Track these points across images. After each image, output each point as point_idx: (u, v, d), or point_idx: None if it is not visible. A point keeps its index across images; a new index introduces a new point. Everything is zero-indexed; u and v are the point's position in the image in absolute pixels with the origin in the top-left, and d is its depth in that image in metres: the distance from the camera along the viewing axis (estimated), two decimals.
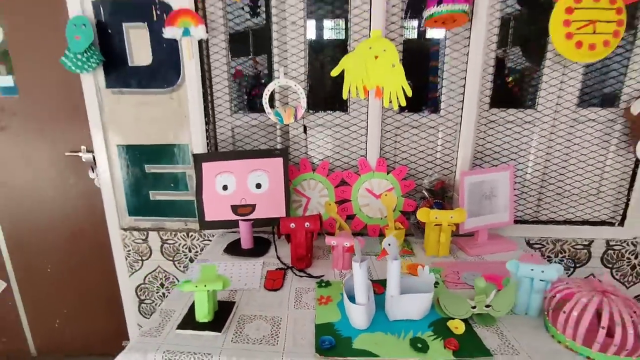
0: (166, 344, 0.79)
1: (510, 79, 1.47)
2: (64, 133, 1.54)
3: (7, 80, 1.52)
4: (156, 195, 1.45)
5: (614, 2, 1.15)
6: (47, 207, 1.65)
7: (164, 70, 1.31)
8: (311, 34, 1.38)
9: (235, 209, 1.22)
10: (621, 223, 1.43)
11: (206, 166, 1.24)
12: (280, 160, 1.24)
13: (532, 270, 0.87)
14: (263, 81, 1.52)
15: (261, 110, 1.35)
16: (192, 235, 1.47)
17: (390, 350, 0.75)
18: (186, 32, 1.21)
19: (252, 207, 1.22)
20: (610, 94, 1.37)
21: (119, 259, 1.55)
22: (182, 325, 0.83)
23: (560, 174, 1.41)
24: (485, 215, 1.27)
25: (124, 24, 1.29)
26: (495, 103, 1.35)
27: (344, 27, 1.42)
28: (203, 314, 0.84)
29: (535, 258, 1.22)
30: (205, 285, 0.82)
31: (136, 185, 1.45)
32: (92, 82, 1.35)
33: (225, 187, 1.23)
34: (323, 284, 1.00)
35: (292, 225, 1.05)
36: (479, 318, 0.86)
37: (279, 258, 1.16)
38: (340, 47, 1.43)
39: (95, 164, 1.54)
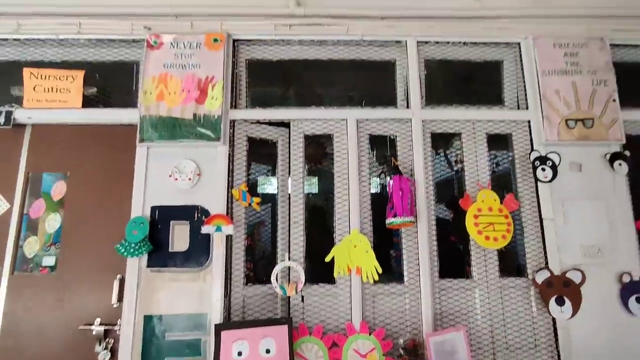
0: None
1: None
2: (83, 307, 1.82)
3: (50, 261, 1.92)
4: None
5: (501, 211, 1.88)
6: None
7: (196, 254, 1.80)
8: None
9: None
10: None
11: (225, 334, 1.58)
12: (285, 327, 1.63)
13: None
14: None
15: (266, 282, 1.80)
16: None
17: None
18: (218, 229, 1.76)
19: None
20: (521, 266, 1.99)
21: None
22: None
23: (502, 331, 1.87)
24: None
25: (171, 222, 1.83)
26: (442, 275, 1.91)
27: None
28: None
29: None
30: None
31: (154, 351, 1.71)
32: (137, 263, 1.79)
33: (240, 354, 1.55)
34: None
35: None
36: None
37: None
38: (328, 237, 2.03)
39: (104, 337, 1.79)
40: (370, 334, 1.76)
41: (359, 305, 1.81)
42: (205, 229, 1.77)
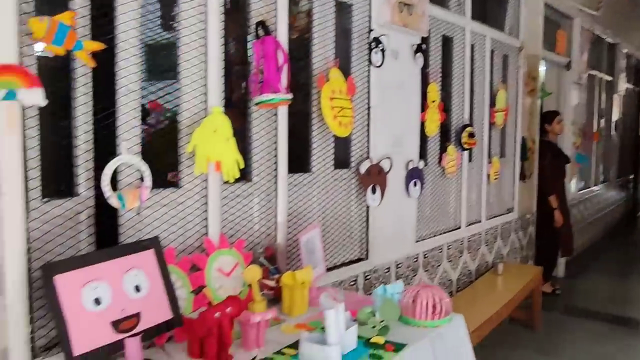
0: None
1: None
2: None
3: None
4: None
5: (347, 95, 2.46)
6: None
7: None
8: None
9: (117, 325, 1.35)
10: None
11: (62, 279, 1.27)
12: (151, 252, 1.52)
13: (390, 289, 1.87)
14: None
15: (67, 193, 1.55)
16: None
17: None
18: (10, 96, 1.24)
19: (137, 317, 1.41)
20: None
21: None
22: None
23: (332, 224, 2.58)
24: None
25: None
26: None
27: None
28: None
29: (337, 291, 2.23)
30: None
31: None
32: None
33: (97, 301, 1.33)
34: None
35: (217, 314, 1.41)
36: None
37: None
38: None
39: None
40: (230, 248, 1.94)
41: (218, 213, 1.92)
42: None
